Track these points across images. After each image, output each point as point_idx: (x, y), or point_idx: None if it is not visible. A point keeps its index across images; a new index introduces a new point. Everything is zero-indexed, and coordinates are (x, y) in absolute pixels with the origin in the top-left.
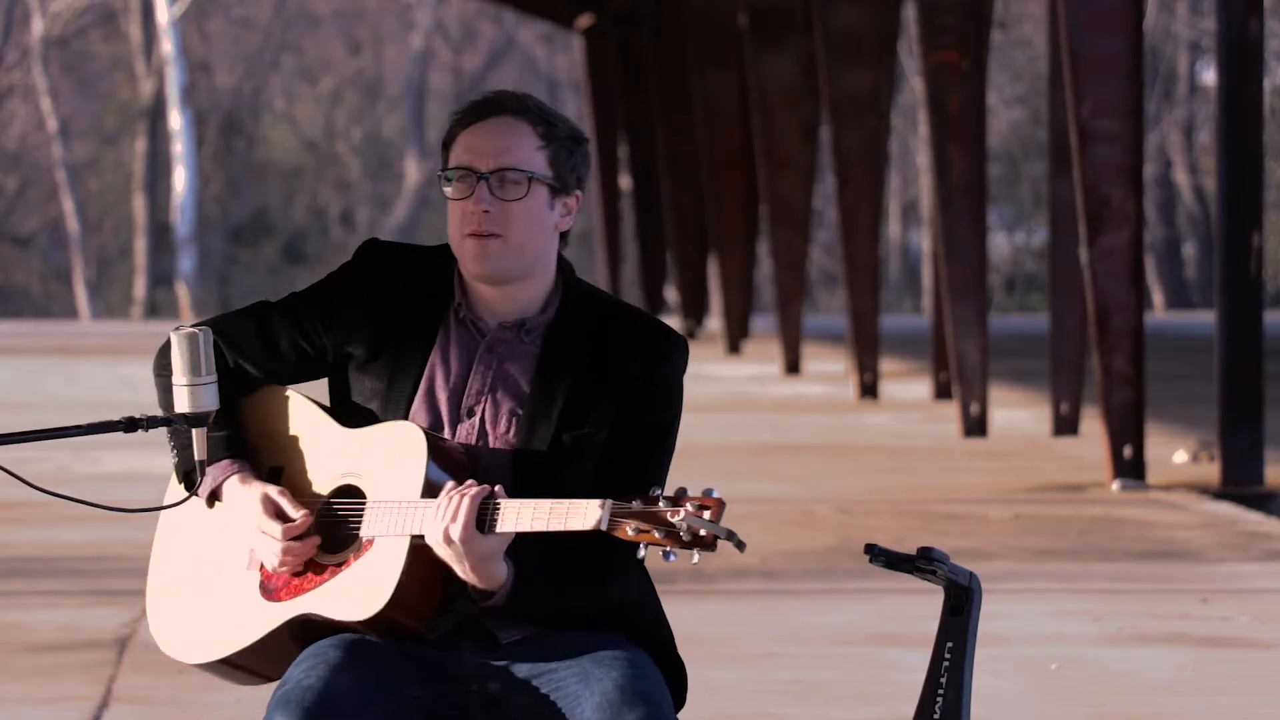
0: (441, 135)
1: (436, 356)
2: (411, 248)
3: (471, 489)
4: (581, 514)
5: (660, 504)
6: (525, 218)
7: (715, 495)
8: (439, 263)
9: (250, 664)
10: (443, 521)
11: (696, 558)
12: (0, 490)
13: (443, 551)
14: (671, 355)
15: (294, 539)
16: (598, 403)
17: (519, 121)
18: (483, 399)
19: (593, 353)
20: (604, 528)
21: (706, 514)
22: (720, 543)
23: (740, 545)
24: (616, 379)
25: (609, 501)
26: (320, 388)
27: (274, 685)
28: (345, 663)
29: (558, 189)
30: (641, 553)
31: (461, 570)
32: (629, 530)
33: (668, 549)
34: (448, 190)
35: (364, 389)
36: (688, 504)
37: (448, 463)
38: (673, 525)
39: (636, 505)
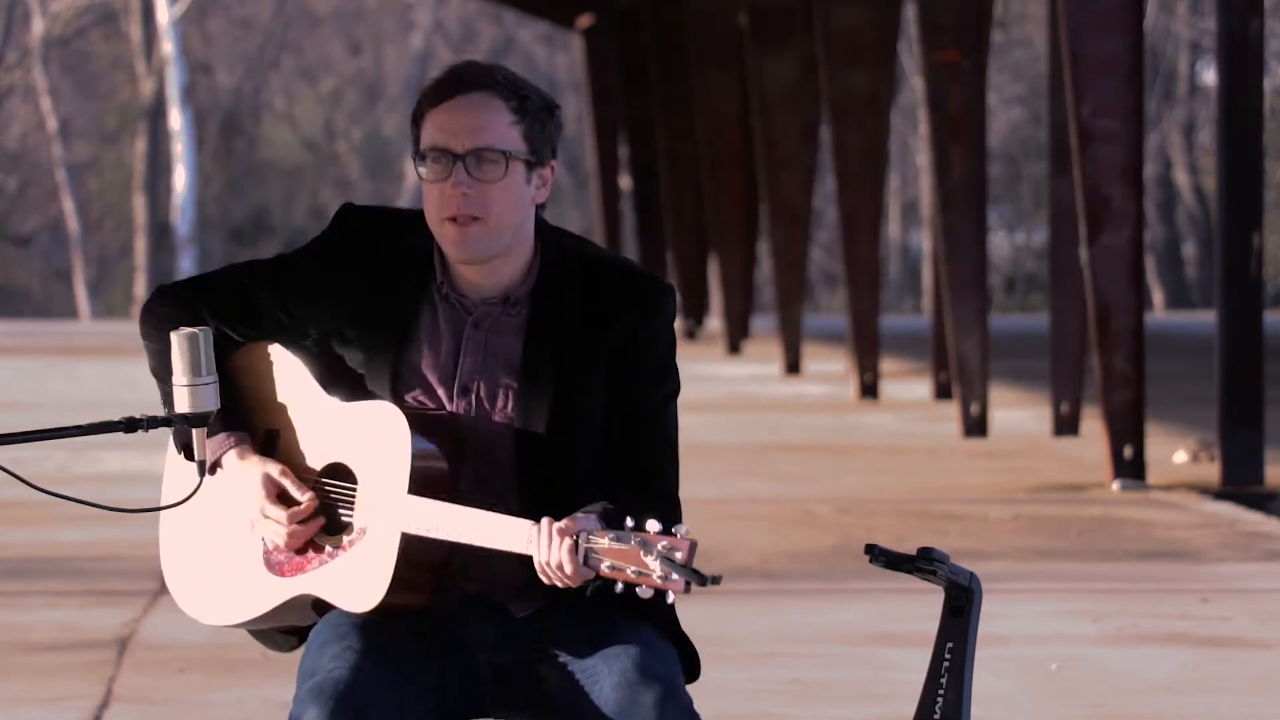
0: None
1: (424, 334)
2: (390, 214)
3: (565, 542)
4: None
5: (633, 542)
6: (504, 198)
7: (687, 536)
8: (419, 231)
9: (267, 626)
10: (558, 577)
11: (671, 598)
12: (0, 490)
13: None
14: (658, 307)
15: (298, 523)
16: (590, 366)
17: (491, 97)
18: (475, 377)
19: (579, 316)
20: (580, 560)
21: (678, 555)
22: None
23: (715, 581)
24: (605, 339)
25: (582, 533)
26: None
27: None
28: (366, 648)
29: (534, 163)
30: (618, 589)
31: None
32: (604, 568)
33: (640, 587)
34: (422, 171)
35: (350, 360)
36: (660, 544)
37: (433, 450)
38: (645, 566)
39: (609, 543)
